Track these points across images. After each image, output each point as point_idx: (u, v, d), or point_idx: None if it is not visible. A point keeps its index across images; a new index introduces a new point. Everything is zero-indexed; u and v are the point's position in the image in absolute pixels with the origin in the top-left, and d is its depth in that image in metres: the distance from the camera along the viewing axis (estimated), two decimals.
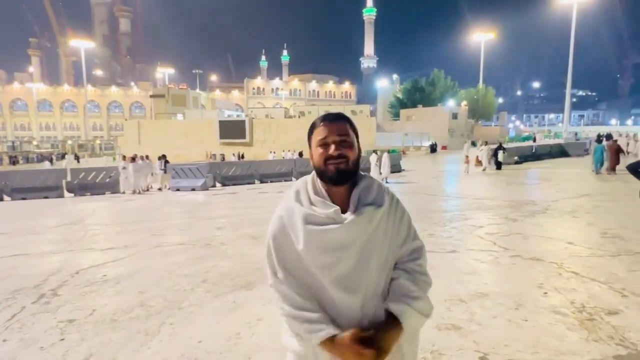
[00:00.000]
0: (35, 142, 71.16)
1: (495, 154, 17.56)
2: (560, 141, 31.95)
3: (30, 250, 5.93)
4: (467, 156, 17.14)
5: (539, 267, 4.41)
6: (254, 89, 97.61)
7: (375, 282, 1.17)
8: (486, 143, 20.31)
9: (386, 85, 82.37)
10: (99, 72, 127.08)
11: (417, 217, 7.73)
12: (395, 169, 19.33)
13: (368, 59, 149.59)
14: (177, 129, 42.29)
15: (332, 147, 1.14)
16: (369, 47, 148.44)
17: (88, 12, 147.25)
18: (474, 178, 14.98)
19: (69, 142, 67.37)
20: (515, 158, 21.61)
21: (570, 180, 12.91)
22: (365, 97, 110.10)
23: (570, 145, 27.32)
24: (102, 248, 5.95)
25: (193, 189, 13.51)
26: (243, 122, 41.15)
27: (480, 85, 58.76)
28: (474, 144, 32.28)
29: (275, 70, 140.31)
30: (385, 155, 14.62)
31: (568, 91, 42.31)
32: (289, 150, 32.46)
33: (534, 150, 24.26)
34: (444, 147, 43.51)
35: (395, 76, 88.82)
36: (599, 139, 16.97)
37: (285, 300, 1.15)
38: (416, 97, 58.45)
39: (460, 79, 62.05)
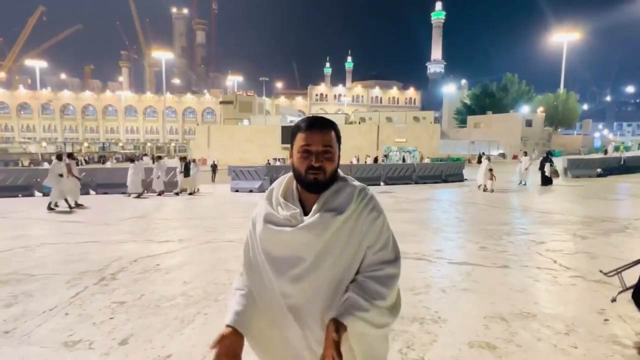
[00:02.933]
0: (120, 144, 79.52)
1: (542, 166, 14.98)
2: None
3: (101, 238, 6.63)
4: (490, 170, 13.43)
5: (604, 291, 3.91)
6: (317, 95, 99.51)
7: (329, 286, 1.16)
8: (525, 154, 17.98)
9: (453, 91, 79.20)
10: (176, 81, 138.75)
11: (471, 229, 7.29)
12: (458, 177, 18.46)
13: (435, 64, 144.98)
14: (243, 133, 44.58)
15: (314, 158, 1.14)
16: (436, 52, 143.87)
17: (170, 26, 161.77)
18: (542, 191, 13.73)
19: (149, 144, 74.23)
20: (598, 170, 19.43)
21: None
22: (431, 103, 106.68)
23: None
24: (160, 240, 6.45)
25: (250, 191, 14.11)
26: None
27: (561, 90, 53.90)
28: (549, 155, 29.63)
29: (339, 76, 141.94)
30: (484, 162, 13.87)
31: None
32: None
33: (622, 162, 21.64)
34: (515, 157, 40.52)
35: (463, 81, 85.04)
36: None
37: (236, 281, 1.30)
38: (485, 103, 55.34)
39: (536, 84, 57.62)
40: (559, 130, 54.62)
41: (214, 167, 23.39)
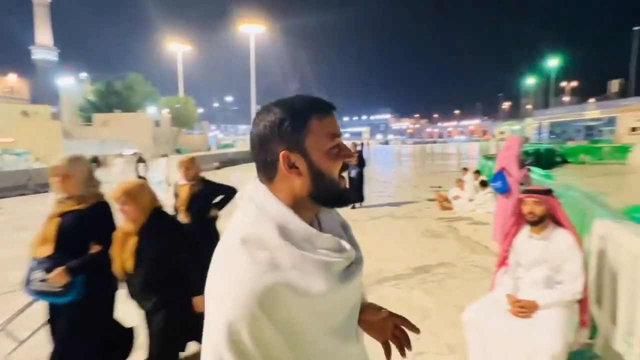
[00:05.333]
0: None
1: (136, 167, 14.51)
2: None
3: None
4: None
5: None
6: None
7: None
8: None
9: (72, 84, 69.96)
10: None
11: None
12: None
13: (43, 50, 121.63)
14: None
15: (344, 151, 0.78)
16: (43, 36, 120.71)
17: None
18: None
19: None
20: (216, 164, 23.67)
21: None
22: (44, 95, 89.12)
23: None
24: None
25: None
26: None
27: (181, 94, 60.37)
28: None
29: None
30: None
31: (253, 106, 50.62)
32: None
33: (231, 157, 27.49)
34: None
35: (84, 75, 76.97)
36: None
37: None
38: (112, 100, 52.99)
39: (161, 86, 61.28)
40: (184, 130, 61.34)
41: None
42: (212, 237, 3.09)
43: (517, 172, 4.96)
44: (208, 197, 3.35)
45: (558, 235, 2.21)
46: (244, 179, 16.67)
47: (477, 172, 8.89)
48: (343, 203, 0.80)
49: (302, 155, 0.74)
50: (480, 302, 2.35)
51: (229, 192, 3.44)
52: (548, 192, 2.24)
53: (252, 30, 48.01)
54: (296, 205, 0.75)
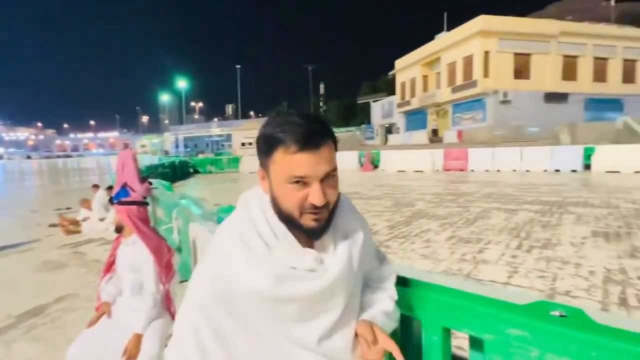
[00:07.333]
0: None
1: None
2: None
3: None
4: None
5: None
6: None
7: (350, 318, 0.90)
8: None
9: None
10: None
11: None
12: None
13: None
14: None
15: (317, 190, 0.75)
16: None
17: None
18: None
19: None
20: None
21: None
22: None
23: None
24: None
25: None
26: None
27: None
28: None
29: None
30: None
31: None
32: None
33: None
34: None
35: None
36: None
37: None
38: None
39: None
40: None
41: None
42: None
43: (139, 187, 5.11)
44: None
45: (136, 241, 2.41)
46: None
47: (110, 188, 8.45)
48: (305, 236, 0.81)
49: (268, 176, 0.81)
50: (85, 333, 2.19)
51: None
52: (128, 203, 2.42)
53: None
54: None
